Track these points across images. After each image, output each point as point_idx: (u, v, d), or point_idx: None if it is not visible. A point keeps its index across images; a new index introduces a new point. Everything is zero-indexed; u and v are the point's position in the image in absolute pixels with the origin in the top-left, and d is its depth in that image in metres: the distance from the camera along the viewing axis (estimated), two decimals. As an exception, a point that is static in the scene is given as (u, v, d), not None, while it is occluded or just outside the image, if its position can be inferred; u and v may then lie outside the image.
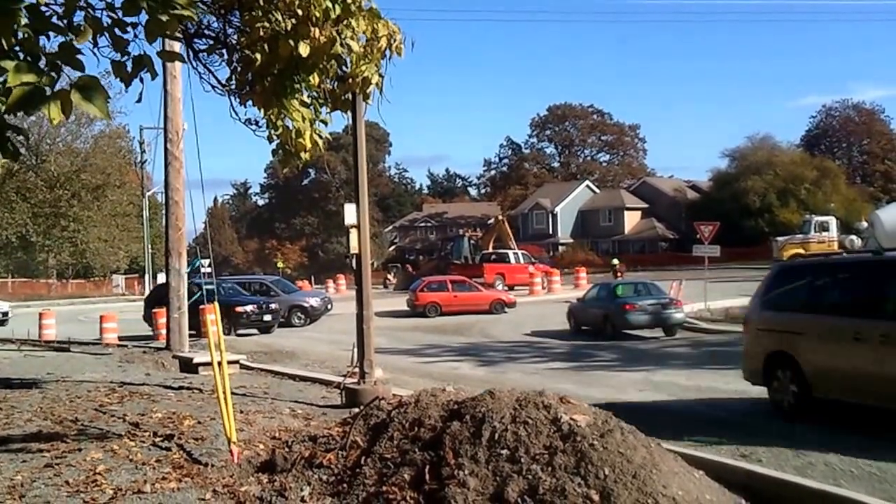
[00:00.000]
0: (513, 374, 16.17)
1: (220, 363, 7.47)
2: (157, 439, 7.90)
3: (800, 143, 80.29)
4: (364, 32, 6.97)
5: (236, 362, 14.13)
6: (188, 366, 14.40)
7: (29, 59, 4.28)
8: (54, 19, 4.58)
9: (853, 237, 41.18)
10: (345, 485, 6.15)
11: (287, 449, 7.07)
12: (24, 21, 4.23)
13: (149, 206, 54.07)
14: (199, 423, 8.67)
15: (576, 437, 5.69)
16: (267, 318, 26.94)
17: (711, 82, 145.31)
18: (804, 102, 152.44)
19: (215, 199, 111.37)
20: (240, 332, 25.85)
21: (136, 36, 4.95)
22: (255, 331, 26.69)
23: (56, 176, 54.81)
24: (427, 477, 5.77)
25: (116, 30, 4.76)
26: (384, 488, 5.82)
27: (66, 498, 6.03)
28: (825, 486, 6.47)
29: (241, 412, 8.90)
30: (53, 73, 4.41)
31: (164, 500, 6.00)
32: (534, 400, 6.13)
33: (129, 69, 4.91)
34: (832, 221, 41.96)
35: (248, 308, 26.51)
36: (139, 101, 5.98)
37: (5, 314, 34.27)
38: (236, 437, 7.18)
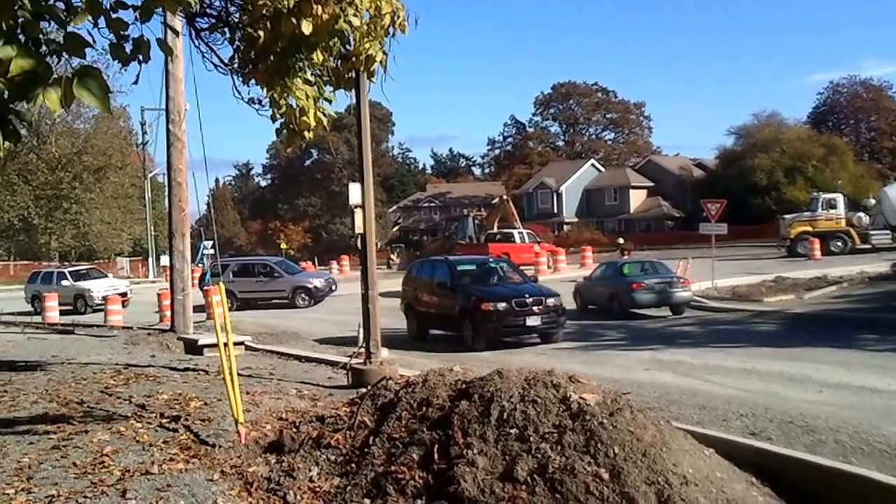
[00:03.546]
0: (520, 354, 16.14)
1: (226, 344, 7.43)
2: (164, 421, 7.88)
3: (807, 120, 79.72)
4: (367, 9, 6.88)
5: (241, 344, 14.12)
6: (193, 347, 14.39)
7: (30, 44, 4.22)
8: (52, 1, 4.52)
9: (861, 214, 41.01)
10: (353, 465, 6.13)
11: (294, 429, 7.05)
12: (27, 3, 4.18)
13: (151, 187, 53.96)
14: (206, 404, 8.66)
15: (585, 415, 5.66)
16: (535, 321, 16.92)
17: (718, 60, 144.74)
18: (812, 79, 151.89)
19: (217, 181, 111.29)
20: (489, 344, 16.85)
21: (136, 19, 4.89)
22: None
23: (57, 157, 54.73)
24: (436, 456, 5.74)
25: (117, 9, 4.70)
26: (393, 468, 5.79)
27: (73, 479, 6.02)
28: (836, 462, 6.42)
29: (248, 393, 8.88)
30: (54, 58, 4.36)
31: (172, 481, 5.97)
32: (542, 379, 6.10)
33: (127, 51, 4.85)
34: (840, 199, 41.72)
35: (501, 306, 16.85)
36: (136, 82, 5.90)
37: (124, 295, 32.52)
38: (243, 418, 7.15)
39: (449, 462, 5.62)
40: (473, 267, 20.35)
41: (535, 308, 17.07)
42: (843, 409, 9.23)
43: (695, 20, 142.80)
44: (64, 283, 33.07)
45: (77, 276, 34.31)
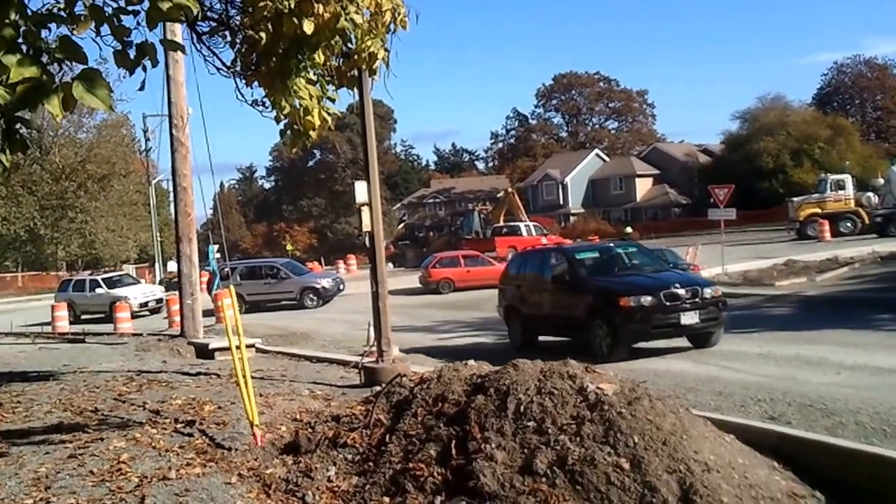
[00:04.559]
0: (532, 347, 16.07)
1: (238, 347, 7.41)
2: (179, 426, 7.86)
3: (812, 101, 79.34)
4: (368, 7, 6.85)
5: (252, 346, 14.11)
6: (204, 352, 14.41)
7: (31, 52, 4.21)
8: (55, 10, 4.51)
9: (870, 194, 40.80)
10: (370, 463, 6.11)
11: (310, 430, 7.03)
12: (28, 12, 4.17)
13: (155, 193, 54.04)
14: (220, 407, 8.63)
15: (603, 405, 5.62)
16: (692, 319, 13.35)
17: (719, 44, 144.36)
18: (816, 59, 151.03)
19: (221, 184, 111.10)
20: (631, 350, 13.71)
21: (138, 24, 4.87)
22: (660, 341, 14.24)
23: (61, 167, 54.77)
24: (454, 452, 5.71)
25: (119, 17, 4.68)
26: (410, 465, 5.76)
27: (91, 487, 5.99)
28: (857, 444, 6.37)
29: (261, 395, 8.85)
30: (56, 66, 4.34)
31: (190, 486, 5.95)
32: (558, 370, 6.06)
33: (131, 57, 4.82)
34: (848, 179, 41.55)
35: (646, 300, 13.31)
36: (142, 88, 5.90)
37: (160, 301, 32.34)
38: (258, 420, 7.13)
39: (467, 457, 5.58)
40: (595, 254, 16.53)
41: (690, 302, 13.51)
42: (862, 391, 9.18)
43: (694, 5, 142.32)
44: (98, 290, 32.63)
45: (110, 283, 33.58)
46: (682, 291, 13.52)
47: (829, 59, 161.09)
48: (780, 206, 47.72)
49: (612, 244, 18.17)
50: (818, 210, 40.19)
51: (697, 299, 13.51)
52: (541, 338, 16.00)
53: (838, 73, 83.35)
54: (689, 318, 13.28)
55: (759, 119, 67.12)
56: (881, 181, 42.02)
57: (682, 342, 13.93)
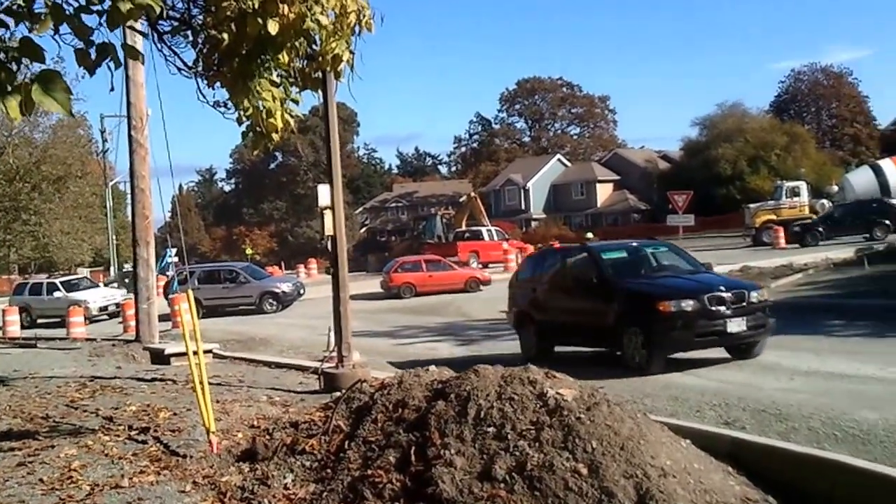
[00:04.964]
0: (493, 352, 16.06)
1: (195, 352, 7.31)
2: (133, 433, 7.73)
3: (769, 108, 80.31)
4: (333, 8, 6.79)
5: (209, 351, 13.92)
6: (160, 357, 14.20)
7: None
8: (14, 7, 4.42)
9: (824, 201, 41.60)
10: (329, 470, 6.05)
11: (267, 436, 6.96)
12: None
13: (112, 195, 53.26)
14: (175, 414, 8.52)
15: (562, 411, 5.62)
16: (738, 326, 11.94)
17: (681, 51, 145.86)
18: (776, 67, 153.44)
19: (180, 187, 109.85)
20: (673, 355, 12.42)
21: (100, 24, 4.79)
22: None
23: (15, 168, 53.66)
24: (413, 458, 5.67)
25: (80, 17, 4.60)
26: (369, 472, 5.72)
27: (41, 496, 5.87)
28: (809, 449, 6.47)
29: (218, 401, 8.75)
30: (13, 66, 4.26)
31: (144, 494, 5.85)
32: (519, 376, 6.06)
33: (92, 57, 4.75)
34: (803, 186, 42.36)
35: (688, 305, 11.84)
36: (112, 90, 5.81)
37: (119, 305, 30.18)
38: (214, 427, 7.03)
39: (426, 463, 5.55)
40: (624, 254, 14.67)
41: (737, 307, 12.01)
42: (815, 396, 9.32)
43: (657, 13, 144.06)
44: (57, 294, 31.92)
45: (69, 286, 32.85)
46: (727, 295, 12.07)
47: (787, 67, 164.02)
48: (737, 212, 48.39)
49: (638, 243, 16.00)
50: (774, 216, 40.89)
51: (744, 304, 12.11)
52: (557, 348, 14.39)
53: (795, 80, 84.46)
54: (736, 326, 11.90)
55: (718, 126, 67.90)
56: (835, 188, 42.92)
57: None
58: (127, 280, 42.01)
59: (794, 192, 41.62)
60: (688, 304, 11.85)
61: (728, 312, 11.89)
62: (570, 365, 12.03)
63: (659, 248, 15.21)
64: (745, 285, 13.05)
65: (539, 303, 14.68)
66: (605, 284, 13.15)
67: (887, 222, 36.58)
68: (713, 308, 11.89)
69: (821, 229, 36.73)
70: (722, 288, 12.32)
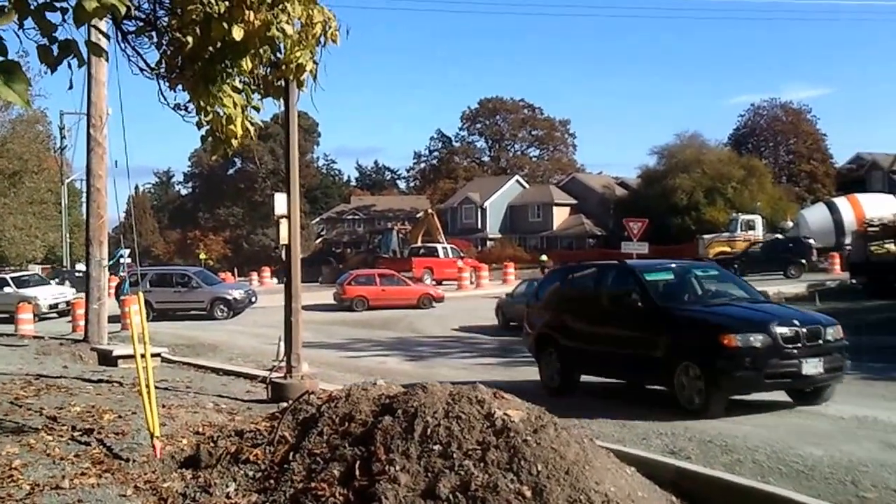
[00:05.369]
0: (441, 368, 16.13)
1: (143, 355, 7.22)
2: (76, 434, 7.59)
3: (728, 141, 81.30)
4: (299, 18, 6.81)
5: (158, 355, 13.75)
6: (107, 358, 13.97)
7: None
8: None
9: (778, 236, 42.38)
10: (272, 481, 6.01)
11: (212, 444, 6.88)
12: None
13: (68, 193, 52.38)
14: (120, 416, 8.38)
15: (509, 432, 5.65)
16: (815, 368, 10.29)
17: (643, 80, 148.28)
18: (736, 101, 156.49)
19: (136, 188, 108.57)
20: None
21: (64, 20, 4.76)
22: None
23: (-31, 162, 52.56)
24: (357, 473, 5.66)
25: (43, 13, 4.56)
26: (313, 484, 5.69)
27: (-23, 495, 5.75)
28: (753, 482, 6.56)
29: (163, 406, 8.63)
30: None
31: (84, 497, 5.76)
32: (467, 395, 6.08)
33: (55, 54, 4.71)
34: (758, 220, 43.20)
35: (757, 340, 10.13)
36: (70, 88, 5.73)
37: (69, 303, 29.49)
38: (159, 432, 6.95)
39: (371, 479, 5.54)
40: (671, 276, 12.79)
41: (812, 345, 10.40)
42: (760, 429, 9.43)
43: (622, 43, 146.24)
44: (7, 290, 31.44)
45: (19, 282, 32.44)
46: (802, 330, 10.43)
47: (747, 101, 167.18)
48: (692, 242, 49.04)
49: (685, 264, 14.18)
50: (728, 248, 41.56)
51: (820, 341, 10.49)
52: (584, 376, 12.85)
53: (755, 114, 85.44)
54: (812, 368, 10.26)
55: (676, 155, 68.39)
56: (790, 224, 43.79)
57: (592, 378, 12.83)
58: (67, 278, 41.37)
59: (750, 226, 42.42)
60: (756, 339, 10.18)
61: (803, 351, 10.31)
62: (604, 398, 12.01)
63: (708, 271, 13.53)
64: (821, 320, 11.08)
65: (566, 326, 12.90)
66: (652, 310, 11.45)
67: (803, 261, 37.16)
68: (786, 345, 10.29)
69: (736, 265, 36.97)
70: (796, 322, 10.62)
